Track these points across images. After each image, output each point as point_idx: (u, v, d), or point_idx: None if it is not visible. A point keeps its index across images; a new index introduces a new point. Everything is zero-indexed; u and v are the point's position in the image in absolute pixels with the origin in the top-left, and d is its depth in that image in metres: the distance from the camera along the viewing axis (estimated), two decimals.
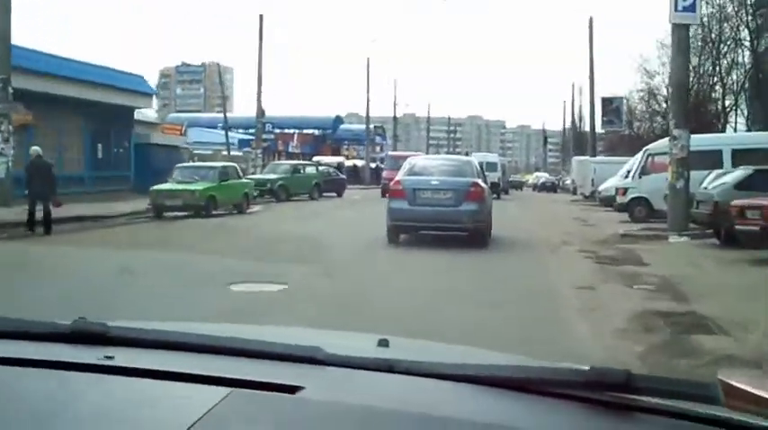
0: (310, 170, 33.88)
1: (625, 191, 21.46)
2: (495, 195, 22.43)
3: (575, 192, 43.03)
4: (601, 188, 28.76)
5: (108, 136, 28.50)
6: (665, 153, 20.87)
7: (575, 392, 1.22)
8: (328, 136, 72.42)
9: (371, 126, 61.58)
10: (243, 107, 59.25)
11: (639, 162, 21.53)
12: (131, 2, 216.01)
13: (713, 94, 40.93)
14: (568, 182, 57.78)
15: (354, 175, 50.19)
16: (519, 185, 64.10)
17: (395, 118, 67.57)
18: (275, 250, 11.92)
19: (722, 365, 4.77)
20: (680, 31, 16.62)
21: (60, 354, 1.35)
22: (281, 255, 11.12)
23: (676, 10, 15.83)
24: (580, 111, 72.10)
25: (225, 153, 38.80)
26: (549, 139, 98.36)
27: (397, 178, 13.75)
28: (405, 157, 19.88)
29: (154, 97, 31.44)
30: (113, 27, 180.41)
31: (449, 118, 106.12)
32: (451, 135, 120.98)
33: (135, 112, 31.00)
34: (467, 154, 45.36)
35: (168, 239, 15.43)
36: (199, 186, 20.66)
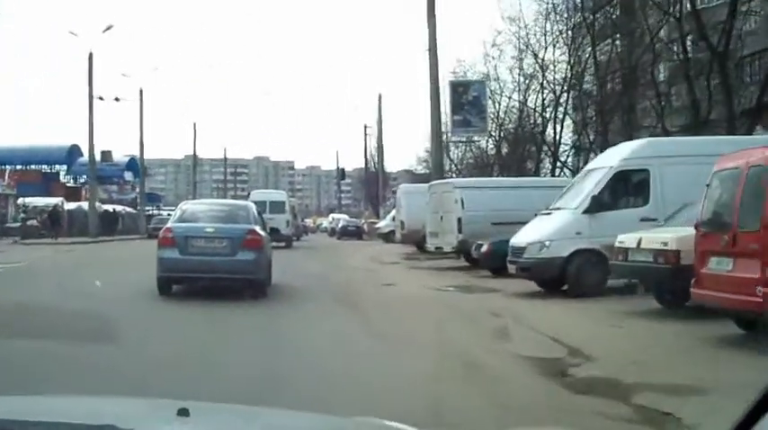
0: None
1: None
2: (282, 243, 20.09)
3: (403, 241, 26.24)
4: (516, 241, 12.11)
5: None
6: None
7: None
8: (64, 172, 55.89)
9: (98, 155, 42.35)
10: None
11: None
12: None
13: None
14: (381, 224, 42.26)
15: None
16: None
17: (141, 145, 48.65)
18: None
19: None
20: None
21: None
22: None
23: None
24: (379, 144, 57.54)
25: None
26: (343, 181, 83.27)
27: (167, 225, 12.81)
28: None
29: None
30: None
31: (225, 158, 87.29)
32: (231, 177, 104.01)
33: None
34: (248, 195, 38.02)
35: None
36: None
